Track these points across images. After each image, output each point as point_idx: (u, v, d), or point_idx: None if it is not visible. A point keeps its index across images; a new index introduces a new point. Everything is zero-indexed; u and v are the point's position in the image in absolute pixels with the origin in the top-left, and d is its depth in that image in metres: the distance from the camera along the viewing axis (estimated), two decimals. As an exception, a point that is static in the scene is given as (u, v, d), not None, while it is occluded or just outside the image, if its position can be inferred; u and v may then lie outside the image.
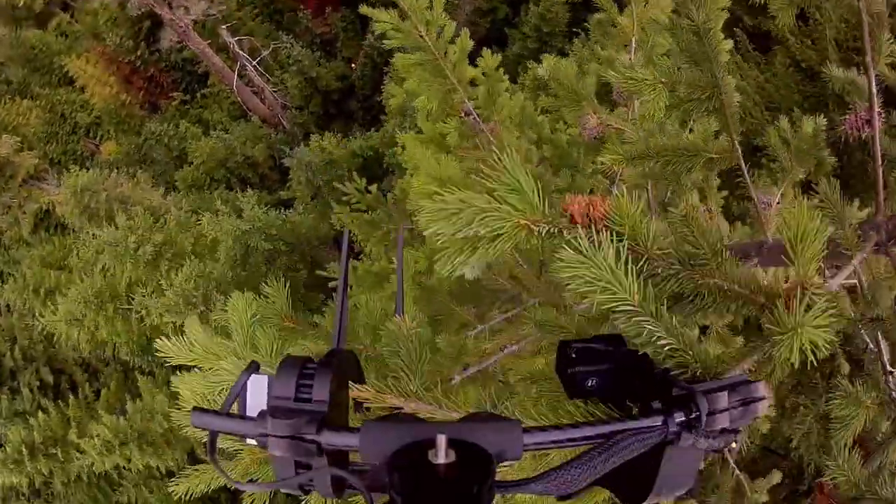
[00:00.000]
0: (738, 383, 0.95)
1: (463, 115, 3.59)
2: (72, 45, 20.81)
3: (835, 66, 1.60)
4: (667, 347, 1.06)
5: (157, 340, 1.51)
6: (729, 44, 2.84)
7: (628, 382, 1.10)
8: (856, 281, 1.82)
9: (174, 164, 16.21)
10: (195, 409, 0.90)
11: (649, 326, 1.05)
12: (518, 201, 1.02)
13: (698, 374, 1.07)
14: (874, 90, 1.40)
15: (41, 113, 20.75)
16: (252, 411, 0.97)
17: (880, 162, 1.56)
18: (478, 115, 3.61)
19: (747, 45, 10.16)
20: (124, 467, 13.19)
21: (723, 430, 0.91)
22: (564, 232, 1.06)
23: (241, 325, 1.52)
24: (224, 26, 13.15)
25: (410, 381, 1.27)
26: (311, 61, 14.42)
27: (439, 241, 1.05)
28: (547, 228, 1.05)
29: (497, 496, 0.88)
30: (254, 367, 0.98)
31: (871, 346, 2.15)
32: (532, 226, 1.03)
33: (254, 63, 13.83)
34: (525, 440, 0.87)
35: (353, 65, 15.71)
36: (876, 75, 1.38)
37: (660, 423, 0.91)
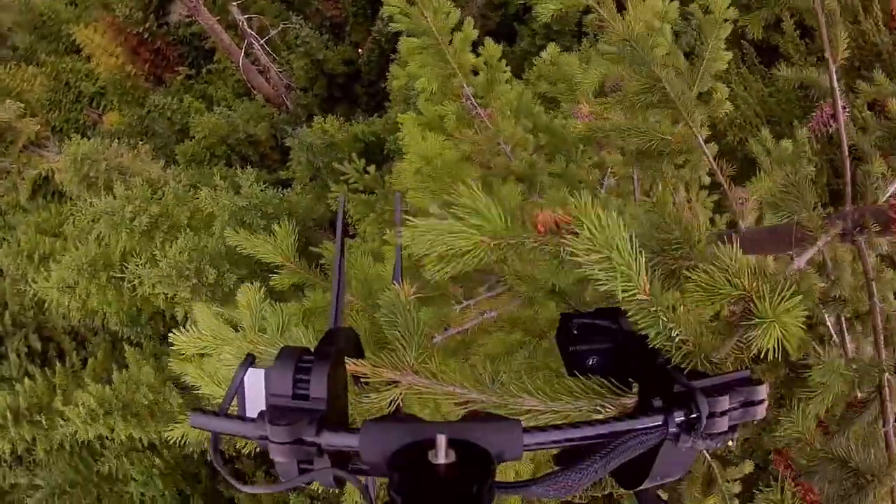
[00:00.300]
0: (739, 382, 0.95)
1: (463, 99, 3.70)
2: (81, 13, 20.81)
3: (785, 65, 1.71)
4: (677, 338, 1.05)
5: (172, 333, 1.51)
6: (729, 55, 2.97)
7: (629, 364, 1.12)
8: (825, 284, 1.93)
9: (176, 137, 16.29)
10: (194, 409, 0.92)
11: (662, 318, 1.05)
12: (479, 222, 1.10)
13: (700, 357, 1.07)
14: (836, 85, 1.51)
15: (46, 80, 20.75)
16: (251, 406, 0.98)
17: (847, 153, 1.66)
18: (476, 101, 3.72)
19: (754, 58, 10.30)
20: (107, 437, 13.26)
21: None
22: (527, 243, 1.12)
23: (250, 309, 1.50)
24: (235, 3, 13.21)
25: (406, 353, 1.26)
26: (318, 43, 14.50)
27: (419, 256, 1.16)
28: (510, 242, 1.13)
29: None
30: (249, 361, 0.99)
31: (836, 337, 2.26)
32: (493, 242, 1.11)
33: (261, 42, 13.91)
34: (525, 440, 0.88)
35: (360, 50, 15.77)
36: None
37: (659, 424, 0.91)
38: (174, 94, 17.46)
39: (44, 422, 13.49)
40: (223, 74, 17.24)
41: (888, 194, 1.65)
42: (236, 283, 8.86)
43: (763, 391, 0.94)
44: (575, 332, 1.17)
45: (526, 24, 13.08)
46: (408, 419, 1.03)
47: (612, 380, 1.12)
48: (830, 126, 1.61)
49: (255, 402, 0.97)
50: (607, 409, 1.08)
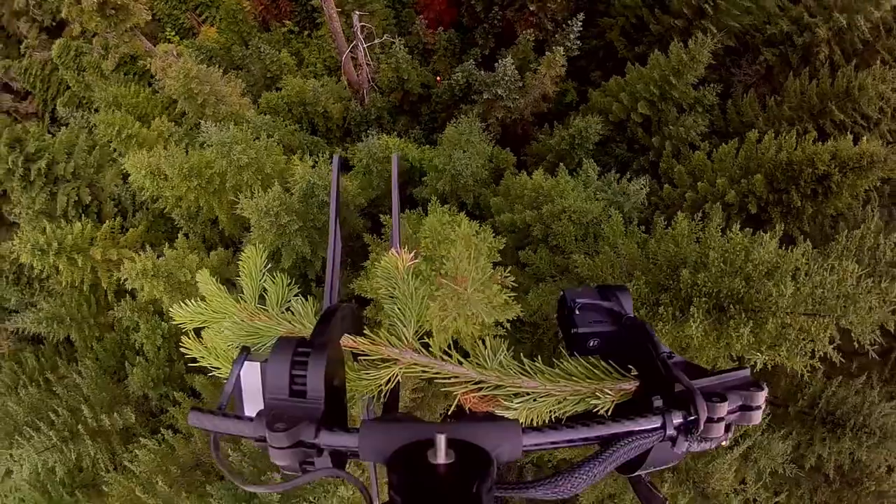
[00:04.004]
0: (740, 386, 1.01)
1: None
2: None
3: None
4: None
5: (172, 311, 1.62)
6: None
7: (630, 350, 1.21)
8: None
9: (264, 83, 20.95)
10: (193, 408, 0.98)
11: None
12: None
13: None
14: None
15: (160, -28, 25.20)
16: (249, 399, 1.10)
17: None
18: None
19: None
20: (131, 293, 17.63)
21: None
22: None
23: (250, 275, 1.57)
24: (358, 12, 18.20)
25: (406, 328, 1.31)
26: (408, 66, 19.13)
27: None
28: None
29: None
30: (244, 356, 1.09)
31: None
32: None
33: (365, 46, 19.00)
34: (524, 441, 0.96)
35: (438, 78, 20.34)
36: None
37: (658, 426, 0.99)
38: (275, 44, 22.16)
39: (79, 262, 17.84)
40: (322, 46, 21.93)
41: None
42: (297, 230, 13.89)
43: (762, 397, 1.00)
44: (577, 311, 1.23)
45: (564, 123, 17.56)
46: (407, 419, 1.09)
47: (613, 363, 1.21)
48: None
49: (253, 396, 1.09)
50: (606, 395, 1.15)
